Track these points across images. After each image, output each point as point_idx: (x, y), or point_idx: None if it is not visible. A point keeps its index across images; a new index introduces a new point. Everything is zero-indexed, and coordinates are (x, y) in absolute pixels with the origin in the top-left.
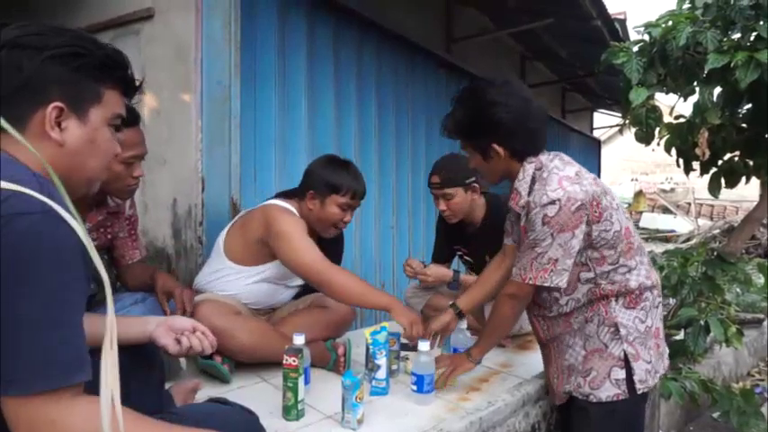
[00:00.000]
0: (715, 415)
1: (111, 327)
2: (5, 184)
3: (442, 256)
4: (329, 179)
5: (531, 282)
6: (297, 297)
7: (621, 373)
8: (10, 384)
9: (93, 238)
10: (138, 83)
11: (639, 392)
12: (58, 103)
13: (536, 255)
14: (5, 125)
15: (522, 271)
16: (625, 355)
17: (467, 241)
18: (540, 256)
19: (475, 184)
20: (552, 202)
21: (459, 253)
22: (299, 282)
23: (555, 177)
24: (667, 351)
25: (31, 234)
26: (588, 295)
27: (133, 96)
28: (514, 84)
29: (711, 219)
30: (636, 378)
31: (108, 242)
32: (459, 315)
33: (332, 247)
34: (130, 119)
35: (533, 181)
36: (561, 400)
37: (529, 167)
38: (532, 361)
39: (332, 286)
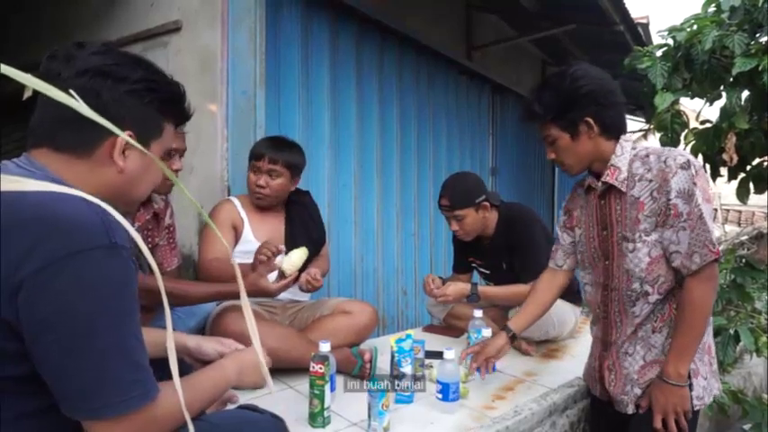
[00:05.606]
0: (746, 427)
1: (169, 338)
2: (111, 208)
3: (461, 268)
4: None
5: (716, 252)
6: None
7: None
8: (105, 408)
9: None
10: (191, 115)
11: (696, 409)
12: (129, 134)
13: (705, 222)
14: (117, 130)
15: (707, 246)
16: None
17: (481, 253)
18: (706, 222)
19: (485, 202)
20: (688, 164)
21: (474, 265)
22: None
23: (668, 150)
24: (717, 371)
25: (103, 267)
26: (668, 300)
27: (182, 126)
28: (584, 64)
29: (739, 225)
30: (694, 394)
31: (149, 247)
32: (513, 338)
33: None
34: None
35: (632, 160)
36: (619, 406)
37: (626, 144)
38: (558, 370)
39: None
